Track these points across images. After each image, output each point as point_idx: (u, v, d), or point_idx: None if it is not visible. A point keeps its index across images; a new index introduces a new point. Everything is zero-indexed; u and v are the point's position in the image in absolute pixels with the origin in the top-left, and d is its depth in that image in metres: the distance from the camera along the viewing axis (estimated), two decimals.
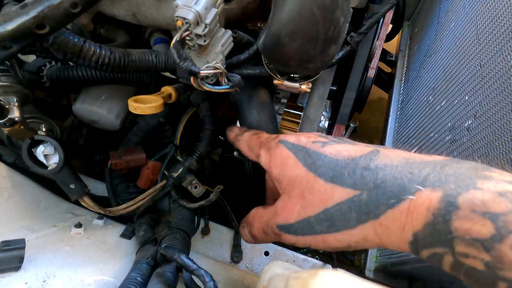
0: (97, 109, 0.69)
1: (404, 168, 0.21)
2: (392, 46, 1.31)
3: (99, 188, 0.71)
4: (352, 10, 0.36)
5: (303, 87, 0.42)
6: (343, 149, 0.26)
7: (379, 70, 1.24)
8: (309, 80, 0.42)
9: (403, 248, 0.21)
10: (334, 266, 0.49)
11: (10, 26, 0.27)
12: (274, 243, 0.66)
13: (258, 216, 0.31)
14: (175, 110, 0.71)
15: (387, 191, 0.21)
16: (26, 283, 0.37)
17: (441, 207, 0.19)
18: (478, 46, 0.59)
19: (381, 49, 0.83)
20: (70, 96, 0.80)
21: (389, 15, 0.84)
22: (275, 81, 0.42)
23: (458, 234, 0.18)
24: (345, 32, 0.32)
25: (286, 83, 0.41)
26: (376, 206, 0.21)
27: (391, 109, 1.01)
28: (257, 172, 0.59)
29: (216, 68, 0.35)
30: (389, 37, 1.22)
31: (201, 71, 0.34)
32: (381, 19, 0.63)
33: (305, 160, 0.26)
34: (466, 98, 0.58)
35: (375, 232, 0.22)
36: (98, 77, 0.59)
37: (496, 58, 0.52)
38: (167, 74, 0.65)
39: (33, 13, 0.26)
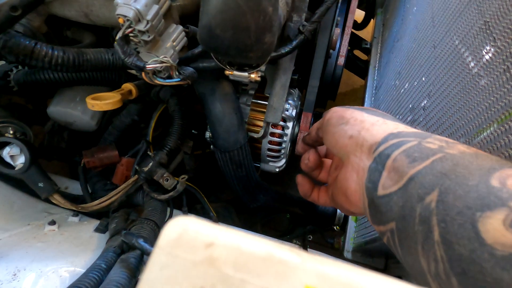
0: (71, 111, 0.70)
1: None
2: (368, 33, 1.33)
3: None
4: (289, 0, 0.38)
5: (252, 76, 0.44)
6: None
7: (356, 58, 1.26)
8: (257, 69, 0.44)
9: None
10: (305, 247, 0.51)
11: None
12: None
13: None
14: (149, 107, 0.73)
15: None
16: None
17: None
18: (433, 28, 0.62)
19: (348, 37, 0.85)
20: (48, 101, 0.81)
21: (354, 3, 0.85)
22: (226, 72, 0.44)
23: None
24: (279, 21, 0.34)
25: (236, 73, 0.43)
26: None
27: (367, 96, 1.03)
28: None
29: (163, 62, 0.36)
30: (363, 25, 1.24)
31: (147, 66, 0.35)
32: (338, 6, 0.64)
33: None
34: (423, 79, 0.61)
35: None
36: (66, 79, 0.60)
37: (445, 39, 0.54)
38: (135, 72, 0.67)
39: None
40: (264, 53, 0.36)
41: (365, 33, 1.30)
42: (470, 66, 0.43)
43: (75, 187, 0.73)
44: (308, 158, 0.36)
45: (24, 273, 0.40)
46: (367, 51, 1.24)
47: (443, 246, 0.18)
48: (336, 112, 0.32)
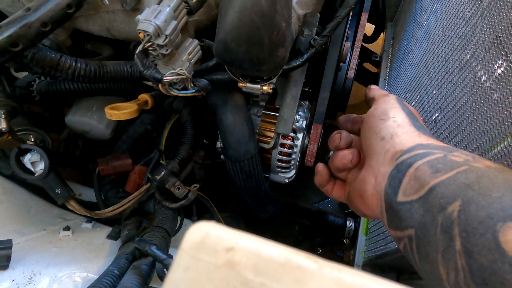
0: (87, 119, 0.73)
1: None
2: (378, 46, 1.34)
3: (94, 195, 0.74)
4: (301, 15, 0.39)
5: (265, 88, 0.45)
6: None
7: (366, 70, 1.26)
8: (270, 82, 0.45)
9: None
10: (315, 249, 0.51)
11: None
12: None
13: None
14: (161, 117, 0.75)
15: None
16: (13, 280, 0.40)
17: None
18: (444, 42, 0.62)
19: (358, 50, 0.86)
20: (65, 110, 0.85)
21: (365, 17, 0.87)
22: (239, 84, 0.45)
23: None
24: (292, 36, 0.35)
25: (249, 85, 0.44)
26: None
27: None
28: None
29: (179, 74, 0.38)
30: (373, 38, 1.26)
31: (164, 78, 0.37)
32: (349, 20, 0.66)
33: None
34: (434, 92, 0.61)
35: None
36: (84, 89, 0.62)
37: (457, 53, 0.55)
38: (150, 83, 0.69)
39: (7, 33, 0.30)
40: (277, 66, 0.38)
41: (375, 46, 1.31)
42: (482, 80, 0.43)
43: (87, 194, 0.74)
44: (341, 137, 0.34)
45: (40, 277, 0.41)
46: (377, 64, 1.25)
47: (464, 255, 0.18)
48: (385, 104, 0.31)
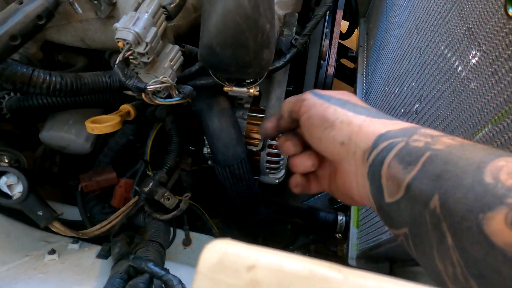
0: (65, 134, 0.69)
1: None
2: (353, 43, 1.38)
3: (77, 213, 0.71)
4: (281, 16, 0.39)
5: (251, 91, 0.44)
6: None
7: (343, 66, 1.29)
8: (255, 84, 0.44)
9: None
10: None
11: None
12: None
13: None
14: (144, 127, 0.73)
15: None
16: None
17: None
18: (417, 35, 0.64)
19: (336, 47, 0.88)
20: (39, 125, 0.80)
21: (340, 14, 0.89)
22: (225, 88, 0.44)
23: None
24: (275, 37, 0.35)
25: (235, 88, 0.44)
26: None
27: None
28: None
29: (163, 82, 0.37)
30: (347, 34, 1.28)
31: (147, 87, 0.36)
32: (326, 18, 0.67)
33: None
34: (413, 84, 0.63)
35: None
36: (59, 103, 0.59)
37: (431, 45, 0.57)
38: (130, 93, 0.67)
39: None
40: (263, 68, 0.37)
41: (350, 43, 1.34)
42: (458, 70, 0.45)
43: (69, 212, 0.71)
44: (305, 163, 0.32)
45: None
46: (354, 60, 1.28)
47: (457, 250, 0.18)
48: (315, 109, 0.29)
